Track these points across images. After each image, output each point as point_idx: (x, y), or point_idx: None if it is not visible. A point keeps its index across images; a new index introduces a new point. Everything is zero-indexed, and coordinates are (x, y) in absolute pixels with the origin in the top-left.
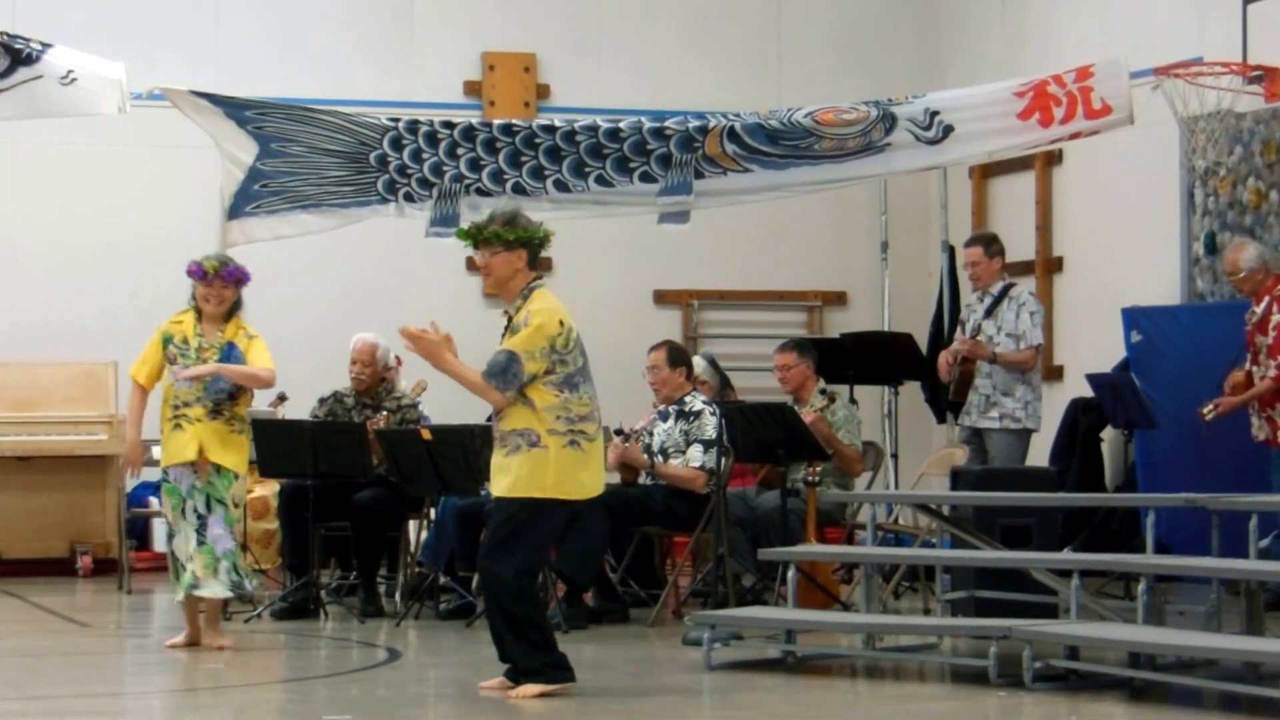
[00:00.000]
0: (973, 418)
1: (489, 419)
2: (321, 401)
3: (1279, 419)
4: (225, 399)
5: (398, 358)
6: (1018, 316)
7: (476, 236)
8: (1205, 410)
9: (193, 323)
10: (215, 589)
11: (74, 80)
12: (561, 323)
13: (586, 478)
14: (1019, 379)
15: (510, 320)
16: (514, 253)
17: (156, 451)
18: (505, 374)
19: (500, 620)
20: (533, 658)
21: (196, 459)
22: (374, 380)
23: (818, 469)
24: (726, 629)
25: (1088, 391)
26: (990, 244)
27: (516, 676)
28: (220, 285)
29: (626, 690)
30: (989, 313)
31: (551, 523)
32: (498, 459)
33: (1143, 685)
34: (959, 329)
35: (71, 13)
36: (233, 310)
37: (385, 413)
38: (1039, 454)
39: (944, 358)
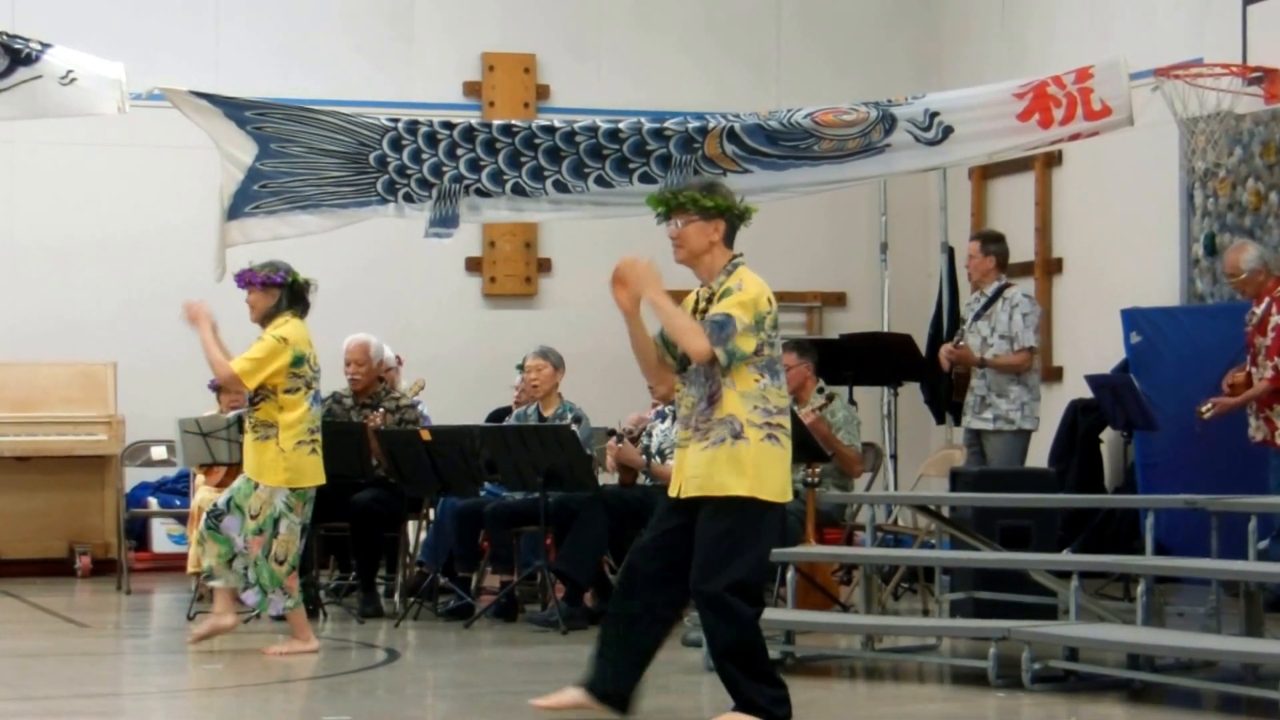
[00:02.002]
0: (968, 419)
1: (488, 419)
2: (320, 403)
3: (1277, 420)
4: (248, 405)
5: (398, 357)
6: (1010, 318)
7: (671, 201)
8: (1204, 409)
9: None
10: (229, 579)
11: (73, 80)
12: (770, 300)
13: (784, 479)
14: (1013, 380)
15: (710, 298)
16: (710, 223)
17: (157, 452)
18: (721, 330)
19: (719, 649)
20: (759, 691)
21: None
22: (370, 380)
23: (817, 470)
24: None
25: (1087, 393)
26: (986, 242)
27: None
28: (247, 294)
29: None
30: (980, 313)
31: (768, 526)
32: (694, 452)
33: (1142, 686)
34: (962, 326)
35: (71, 13)
36: (275, 313)
37: (382, 410)
38: (1038, 455)
39: (944, 351)
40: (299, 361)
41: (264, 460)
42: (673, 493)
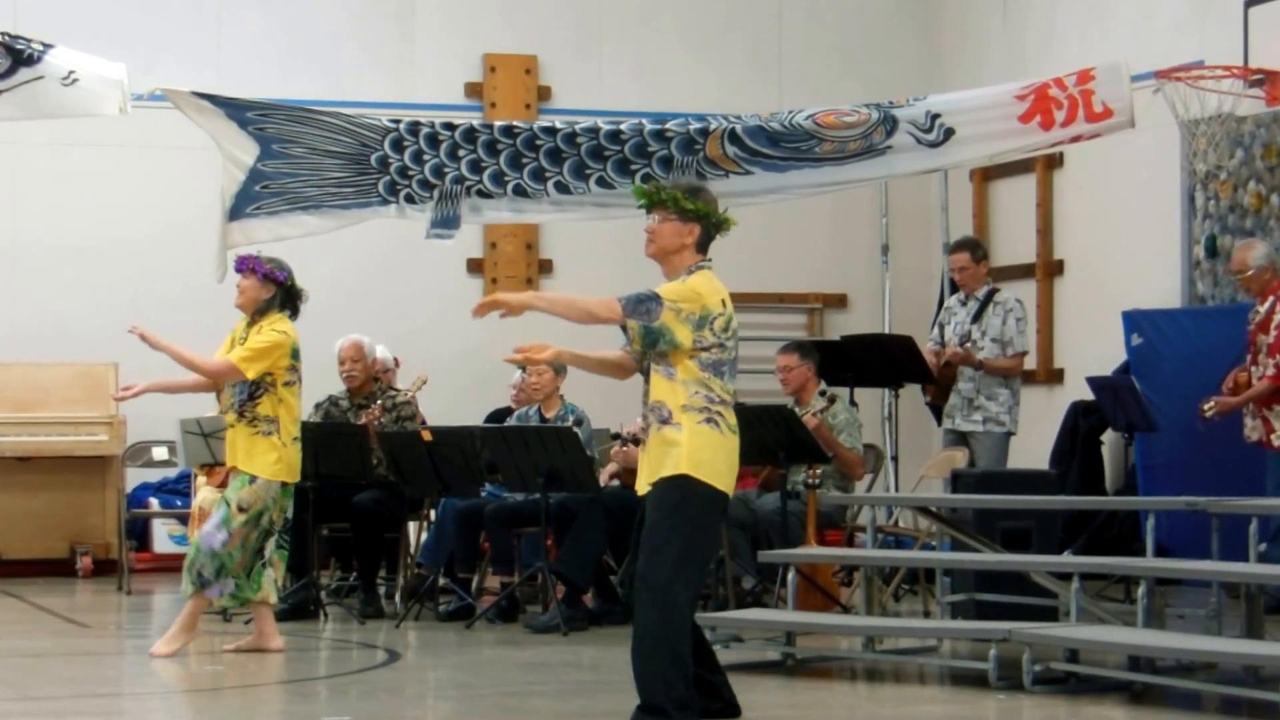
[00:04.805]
0: (955, 421)
1: (488, 419)
2: (317, 407)
3: (1274, 420)
4: (246, 399)
5: (396, 359)
6: (1003, 322)
7: (654, 197)
8: (1205, 406)
9: (244, 323)
10: (183, 585)
11: (75, 81)
12: (724, 303)
13: (723, 464)
14: (1001, 382)
15: None
16: (687, 225)
17: (158, 452)
18: (638, 303)
19: (639, 637)
20: (657, 691)
21: (231, 465)
22: (365, 378)
23: (818, 471)
24: (726, 631)
25: (1088, 394)
26: (976, 249)
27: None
28: (240, 278)
29: (626, 692)
30: (975, 318)
31: (704, 511)
32: (647, 448)
33: (1142, 688)
34: (937, 330)
35: (73, 13)
36: (268, 308)
37: (379, 404)
38: (1036, 457)
39: (930, 355)
40: (296, 354)
41: (264, 455)
42: (638, 490)
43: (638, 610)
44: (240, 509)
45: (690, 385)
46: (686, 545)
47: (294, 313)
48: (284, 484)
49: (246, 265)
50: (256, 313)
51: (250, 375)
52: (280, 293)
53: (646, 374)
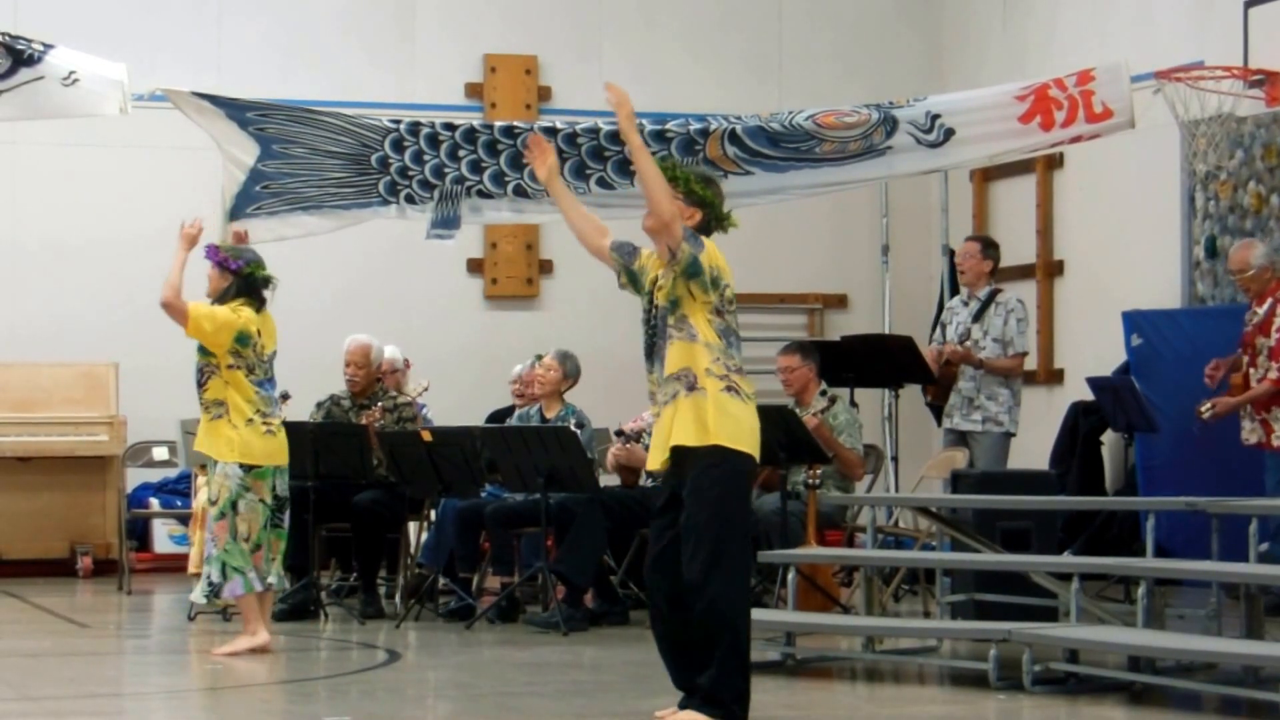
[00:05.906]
0: (954, 420)
1: (488, 419)
2: (319, 406)
3: (1274, 423)
4: (196, 386)
5: (406, 360)
6: (1005, 323)
7: (668, 173)
8: (1204, 408)
9: None
10: (195, 594)
11: (75, 81)
12: (727, 272)
13: (750, 430)
14: (1002, 383)
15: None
16: (690, 208)
17: (158, 453)
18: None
19: (700, 638)
20: (721, 685)
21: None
22: (368, 381)
23: (818, 471)
24: None
25: (1088, 395)
26: (988, 246)
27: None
28: (209, 266)
29: (626, 692)
30: (976, 317)
31: (738, 481)
32: (660, 429)
33: (1142, 689)
34: (939, 330)
35: (73, 13)
36: (225, 297)
37: (379, 406)
38: (1036, 457)
39: (931, 353)
40: (243, 340)
41: (217, 438)
42: (651, 465)
43: (697, 613)
44: (211, 502)
45: (713, 349)
46: (727, 536)
47: (260, 303)
48: (249, 466)
49: (208, 253)
50: (218, 300)
51: (188, 326)
52: (237, 282)
53: (651, 354)
